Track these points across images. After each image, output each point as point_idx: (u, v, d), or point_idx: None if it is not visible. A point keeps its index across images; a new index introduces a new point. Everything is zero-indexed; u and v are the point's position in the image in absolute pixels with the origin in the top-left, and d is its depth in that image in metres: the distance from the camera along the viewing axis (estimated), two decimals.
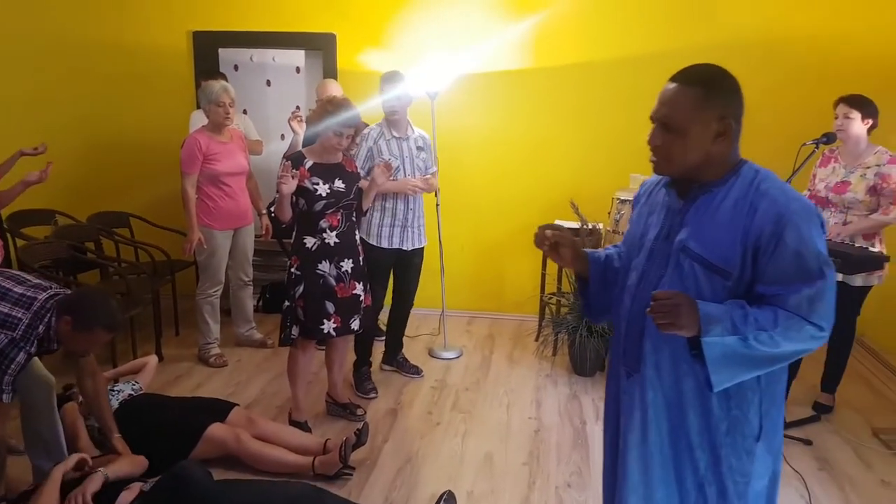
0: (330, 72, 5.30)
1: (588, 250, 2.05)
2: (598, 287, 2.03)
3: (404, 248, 4.09)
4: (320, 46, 5.38)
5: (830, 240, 3.63)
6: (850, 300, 3.78)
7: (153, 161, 5.53)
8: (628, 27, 5.03)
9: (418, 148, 4.09)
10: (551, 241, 1.91)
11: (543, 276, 5.07)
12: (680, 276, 1.71)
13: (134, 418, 3.25)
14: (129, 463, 2.92)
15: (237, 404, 3.54)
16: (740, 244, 1.63)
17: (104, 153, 5.66)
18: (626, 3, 5.00)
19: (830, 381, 4.02)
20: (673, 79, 1.69)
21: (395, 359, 4.48)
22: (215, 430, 3.22)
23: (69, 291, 2.85)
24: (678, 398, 1.76)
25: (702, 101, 1.63)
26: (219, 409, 3.42)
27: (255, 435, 3.28)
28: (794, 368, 4.04)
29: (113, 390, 3.42)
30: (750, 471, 1.76)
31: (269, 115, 5.71)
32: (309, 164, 3.40)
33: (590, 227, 4.53)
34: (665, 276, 1.75)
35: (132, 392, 3.53)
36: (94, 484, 2.66)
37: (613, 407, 2.00)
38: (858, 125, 3.67)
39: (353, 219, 3.58)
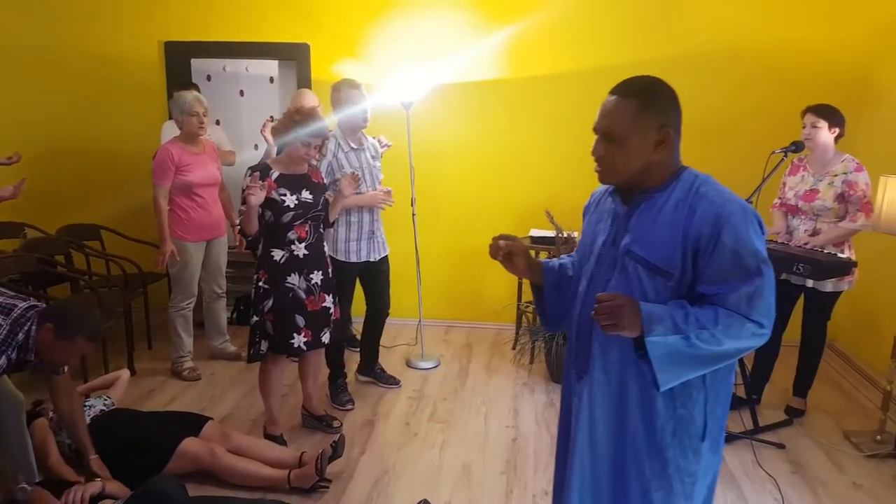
0: (304, 82, 5.29)
1: (543, 259, 2.11)
2: (552, 295, 2.08)
3: (371, 259, 4.06)
4: (294, 57, 5.37)
5: (800, 247, 3.69)
6: (820, 305, 3.84)
7: (124, 172, 5.47)
8: (603, 38, 5.07)
9: (372, 157, 4.07)
10: (505, 251, 1.96)
11: (520, 284, 5.09)
12: (626, 280, 1.76)
13: (106, 434, 3.20)
14: (118, 486, 2.91)
15: (211, 418, 3.50)
16: (680, 245, 1.67)
17: (74, 164, 5.59)
18: (600, 14, 5.05)
19: (802, 385, 4.07)
20: (612, 91, 1.75)
21: (372, 369, 4.45)
22: (189, 444, 3.18)
23: (46, 305, 2.83)
24: (624, 401, 1.79)
25: (640, 112, 1.69)
26: (192, 423, 3.38)
27: (230, 449, 3.24)
28: (766, 373, 4.11)
29: (84, 405, 3.37)
30: (696, 470, 1.79)
31: (242, 125, 5.70)
32: (275, 175, 3.36)
33: (565, 235, 4.55)
34: (612, 280, 1.80)
35: (104, 407, 3.48)
36: (93, 487, 2.78)
37: (566, 409, 2.04)
38: (825, 134, 3.73)
39: (321, 230, 3.55)
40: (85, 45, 5.41)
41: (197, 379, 4.46)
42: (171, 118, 4.43)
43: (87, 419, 3.27)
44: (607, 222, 1.88)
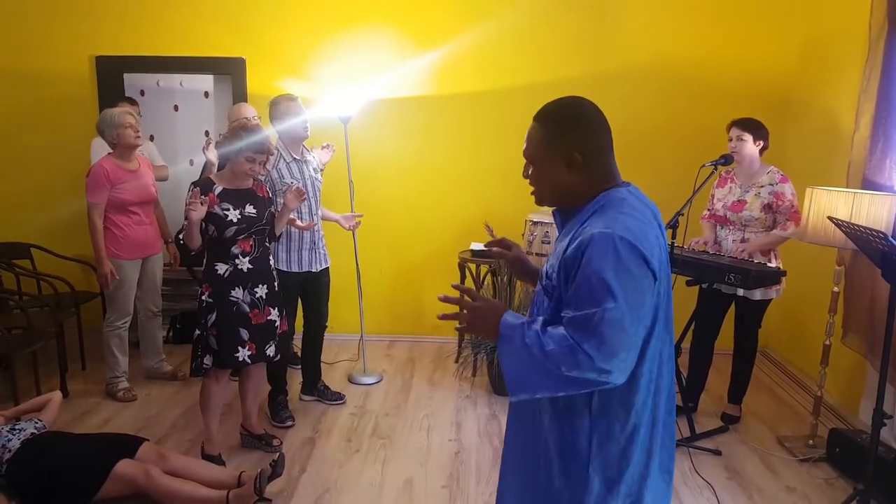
0: (240, 96, 5.23)
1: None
2: None
3: (313, 269, 4.04)
4: (229, 71, 5.31)
5: (732, 257, 3.79)
6: (751, 313, 3.95)
7: (56, 189, 5.33)
8: (537, 56, 5.17)
9: (314, 170, 4.06)
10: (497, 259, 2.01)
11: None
12: (539, 297, 1.76)
13: (38, 457, 3.09)
14: None
15: (147, 439, 3.40)
16: (559, 267, 1.62)
17: (3, 181, 5.41)
18: (534, 33, 5.15)
19: (737, 392, 4.18)
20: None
21: (315, 387, 4.39)
22: (124, 466, 3.09)
23: None
24: (525, 417, 1.77)
25: (543, 137, 1.71)
26: (127, 445, 3.28)
27: (166, 470, 3.15)
28: (700, 381, 4.20)
29: (14, 429, 3.25)
30: (585, 499, 1.65)
31: (177, 140, 5.60)
32: (218, 189, 3.35)
33: None
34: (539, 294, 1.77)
35: (35, 430, 3.35)
36: None
37: None
38: (751, 147, 3.86)
39: (267, 244, 3.53)
40: (13, 61, 5.26)
41: (132, 399, 4.34)
42: (100, 136, 4.30)
43: (17, 443, 3.15)
44: None
